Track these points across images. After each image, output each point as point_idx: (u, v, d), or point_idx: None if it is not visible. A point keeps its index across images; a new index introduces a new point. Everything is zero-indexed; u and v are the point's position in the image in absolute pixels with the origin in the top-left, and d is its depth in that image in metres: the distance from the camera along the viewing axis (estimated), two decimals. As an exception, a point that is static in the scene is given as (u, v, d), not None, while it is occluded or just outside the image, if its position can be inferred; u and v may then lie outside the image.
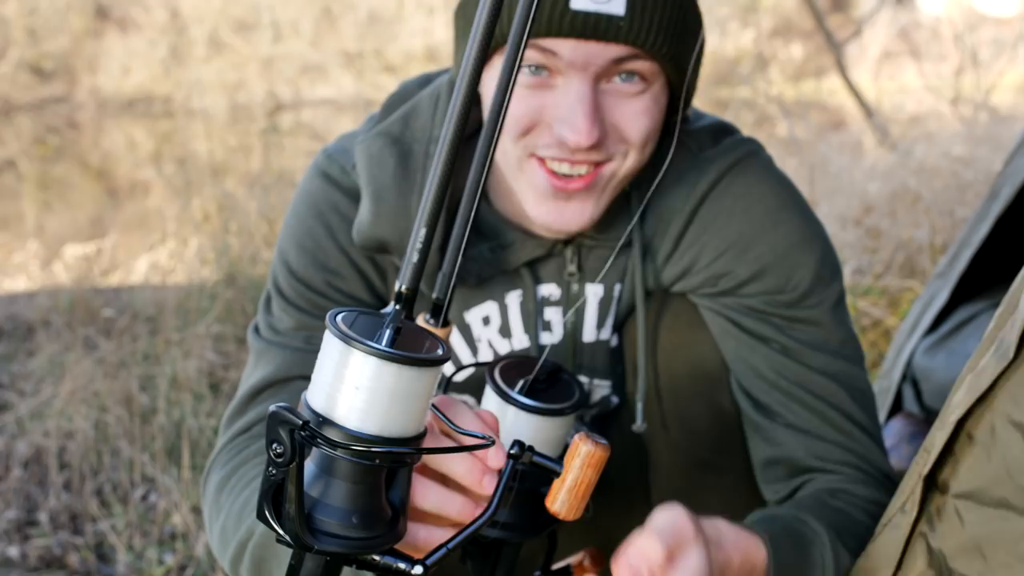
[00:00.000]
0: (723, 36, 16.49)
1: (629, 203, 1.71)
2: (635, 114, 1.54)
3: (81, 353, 4.76)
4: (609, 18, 1.45)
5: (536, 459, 1.26)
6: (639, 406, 1.74)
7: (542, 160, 1.57)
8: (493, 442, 1.24)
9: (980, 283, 2.91)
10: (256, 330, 1.80)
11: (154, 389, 4.36)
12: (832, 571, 1.49)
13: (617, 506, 1.98)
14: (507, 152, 1.59)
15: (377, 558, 1.16)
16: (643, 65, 1.51)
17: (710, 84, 14.37)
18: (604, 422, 1.90)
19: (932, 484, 1.42)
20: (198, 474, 3.62)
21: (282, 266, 1.76)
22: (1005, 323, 1.36)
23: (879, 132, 7.56)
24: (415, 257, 1.20)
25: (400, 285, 1.18)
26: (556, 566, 1.64)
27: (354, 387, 1.07)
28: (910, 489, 1.43)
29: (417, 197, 1.64)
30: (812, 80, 15.39)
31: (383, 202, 1.66)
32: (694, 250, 1.70)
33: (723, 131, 1.78)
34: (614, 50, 1.48)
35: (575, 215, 1.60)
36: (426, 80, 1.81)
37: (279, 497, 1.10)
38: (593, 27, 1.45)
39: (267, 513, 1.11)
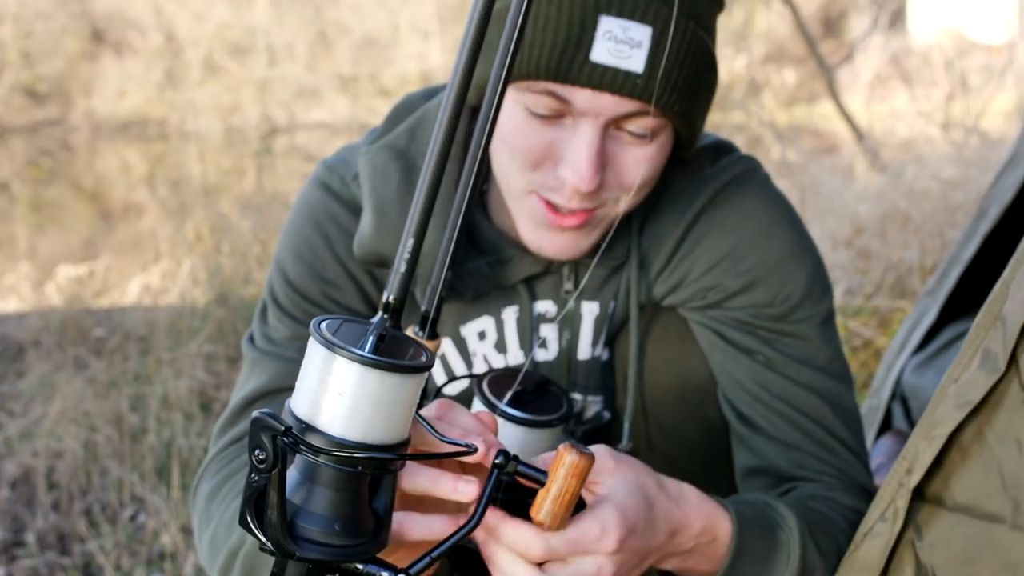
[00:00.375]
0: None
1: (629, 222, 1.71)
2: (638, 162, 1.53)
3: (71, 373, 4.75)
4: (627, 73, 1.44)
5: (521, 468, 1.26)
6: (626, 426, 1.75)
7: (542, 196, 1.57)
8: (476, 449, 1.24)
9: (968, 301, 2.92)
10: (251, 340, 1.79)
11: (144, 409, 4.35)
12: (797, 559, 1.49)
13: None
14: (511, 181, 1.58)
15: (360, 566, 1.16)
16: (649, 122, 1.50)
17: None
18: (596, 438, 1.91)
19: (919, 495, 1.42)
20: (188, 494, 3.61)
21: (279, 276, 1.76)
22: (987, 334, 1.36)
23: (870, 155, 7.59)
24: (403, 267, 1.20)
25: (387, 295, 1.18)
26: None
27: (337, 393, 1.07)
28: (890, 497, 1.43)
29: None
30: (804, 105, 15.45)
31: (385, 216, 1.65)
32: (686, 264, 1.70)
33: (722, 149, 1.78)
34: (628, 105, 1.46)
35: (568, 245, 1.60)
36: (431, 93, 1.81)
37: (261, 504, 1.10)
38: (611, 81, 1.44)
39: (249, 520, 1.10)
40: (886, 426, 2.99)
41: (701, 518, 1.41)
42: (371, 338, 1.10)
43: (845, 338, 4.40)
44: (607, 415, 1.79)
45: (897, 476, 1.43)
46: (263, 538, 1.10)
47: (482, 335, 1.76)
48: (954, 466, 1.38)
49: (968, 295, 2.91)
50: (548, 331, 1.75)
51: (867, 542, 1.47)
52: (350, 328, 1.12)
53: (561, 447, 1.27)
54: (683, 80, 1.48)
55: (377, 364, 1.06)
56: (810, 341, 1.71)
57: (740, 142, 8.06)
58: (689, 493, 1.41)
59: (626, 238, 1.71)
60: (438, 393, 1.69)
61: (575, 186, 1.49)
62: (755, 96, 11.50)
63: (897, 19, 15.71)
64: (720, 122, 9.78)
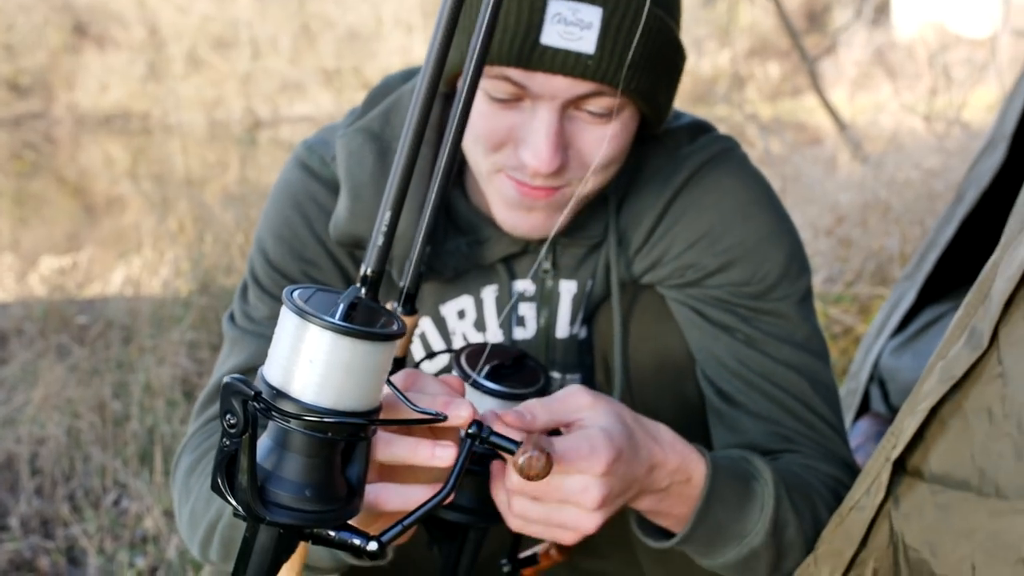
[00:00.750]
0: (700, 56, 16.57)
1: (606, 202, 1.73)
2: (599, 141, 1.54)
3: (54, 360, 4.75)
4: (578, 55, 1.45)
5: (493, 438, 1.27)
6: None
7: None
8: (445, 417, 1.25)
9: (946, 284, 2.94)
10: (231, 318, 1.80)
11: (127, 396, 4.36)
12: (771, 511, 1.51)
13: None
14: (478, 163, 1.61)
15: (332, 533, 1.17)
16: (609, 102, 1.51)
17: (688, 103, 14.45)
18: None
19: (901, 468, 1.45)
20: (170, 478, 3.62)
21: (259, 255, 1.77)
22: (975, 312, 1.39)
23: (852, 145, 7.62)
24: (380, 240, 1.22)
25: (365, 268, 1.20)
26: (523, 554, 1.66)
27: (308, 360, 1.08)
28: (876, 472, 1.46)
29: None
30: (788, 100, 15.49)
31: (360, 199, 1.66)
32: (665, 242, 1.71)
33: (700, 129, 1.80)
34: (582, 86, 1.47)
35: (540, 223, 1.62)
36: (409, 75, 1.82)
37: (233, 469, 1.11)
38: (562, 63, 1.45)
39: (220, 484, 1.11)
40: (864, 409, 3.01)
41: (677, 456, 1.43)
42: (342, 306, 1.11)
43: (825, 325, 4.43)
44: None
45: (884, 451, 1.46)
46: (233, 502, 1.11)
47: (461, 314, 1.78)
48: (934, 439, 1.42)
49: (945, 278, 2.94)
50: (527, 310, 1.77)
51: (852, 515, 1.50)
52: (323, 297, 1.14)
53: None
54: (639, 59, 1.48)
55: (348, 331, 1.08)
56: (788, 319, 1.73)
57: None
58: (664, 431, 1.44)
59: (603, 217, 1.73)
60: (418, 368, 1.71)
61: (535, 168, 1.50)
62: (739, 90, 11.54)
63: (881, 13, 15.76)
64: (704, 115, 9.81)
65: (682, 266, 1.72)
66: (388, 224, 1.23)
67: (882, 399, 2.96)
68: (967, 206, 2.80)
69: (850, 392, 3.06)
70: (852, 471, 1.71)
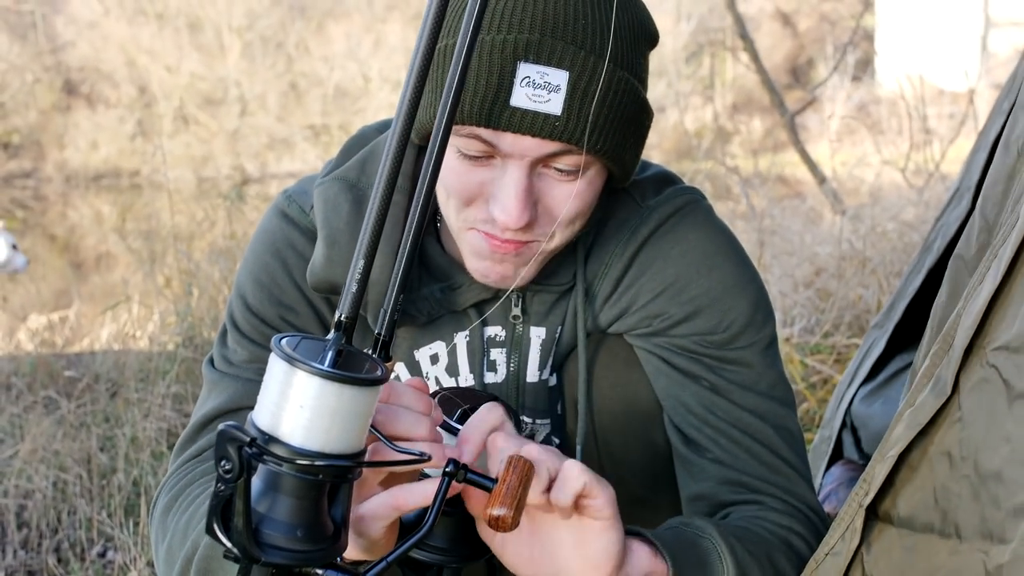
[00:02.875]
0: (684, 111, 16.68)
1: (575, 250, 1.78)
2: (566, 197, 1.58)
3: (42, 413, 4.78)
4: (546, 116, 1.49)
5: (470, 476, 1.32)
6: (578, 449, 1.81)
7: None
8: (429, 457, 1.31)
9: (915, 333, 2.97)
10: (211, 362, 1.84)
11: (114, 448, 4.38)
12: (729, 555, 1.53)
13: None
14: (450, 217, 1.65)
15: (320, 572, 1.22)
16: (576, 160, 1.55)
17: (671, 158, 14.55)
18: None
19: (873, 513, 1.49)
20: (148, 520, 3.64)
21: (238, 300, 1.81)
22: (941, 361, 1.45)
23: (831, 198, 7.70)
24: (354, 287, 1.29)
25: (340, 314, 1.26)
26: (496, 593, 1.70)
27: (298, 406, 1.14)
28: (850, 518, 1.50)
29: None
30: (772, 155, 15.60)
31: (336, 246, 1.70)
32: (632, 291, 1.75)
33: (665, 181, 1.84)
34: (550, 146, 1.52)
35: (508, 273, 1.66)
36: (384, 126, 1.86)
37: (228, 513, 1.16)
38: (530, 124, 1.49)
39: (216, 528, 1.16)
40: (837, 455, 3.04)
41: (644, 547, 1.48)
42: (330, 353, 1.18)
43: (803, 375, 4.47)
44: (555, 440, 1.85)
45: (857, 498, 1.50)
46: (230, 544, 1.16)
47: (435, 358, 1.82)
48: (902, 484, 1.46)
49: (914, 326, 2.97)
50: (497, 355, 1.82)
51: (828, 560, 1.52)
52: (309, 344, 1.20)
53: (509, 454, 1.34)
54: (605, 120, 1.53)
55: (336, 377, 1.14)
56: (753, 367, 1.77)
57: (708, 190, 8.18)
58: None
59: (572, 265, 1.77)
60: None
61: (504, 223, 1.55)
62: (723, 144, 11.63)
63: (865, 67, 15.91)
64: (688, 170, 9.90)
65: (649, 315, 1.76)
66: (361, 271, 1.29)
67: (854, 445, 2.99)
68: (934, 256, 2.84)
69: (823, 440, 3.09)
70: (813, 516, 1.74)
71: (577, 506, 1.36)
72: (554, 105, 1.50)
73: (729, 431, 1.74)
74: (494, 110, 1.50)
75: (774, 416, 1.77)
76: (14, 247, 7.36)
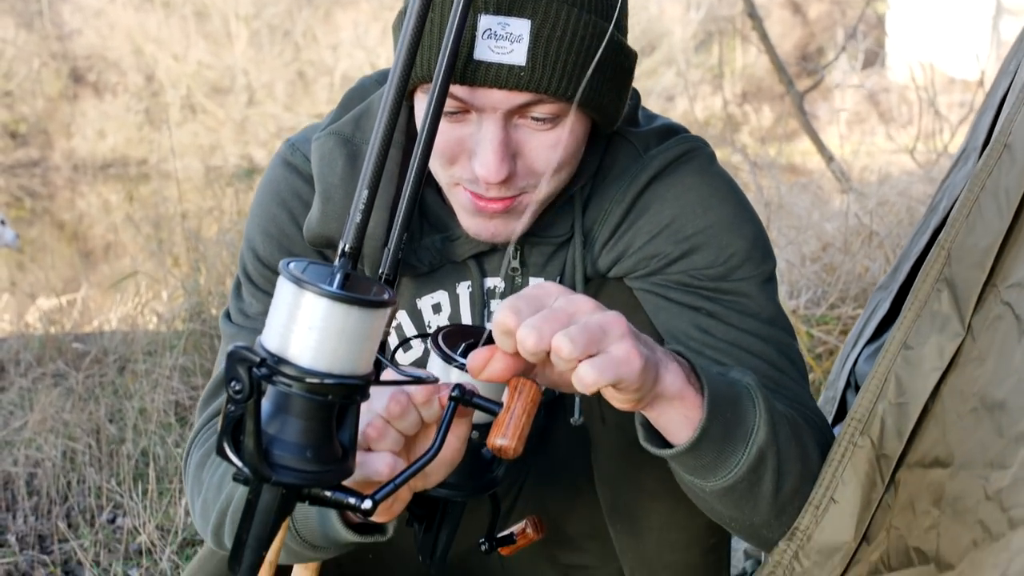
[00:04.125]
0: (694, 100, 16.68)
1: (572, 202, 1.79)
2: (546, 147, 1.60)
3: (51, 385, 4.81)
4: (511, 68, 1.50)
5: (475, 401, 1.34)
6: (577, 400, 1.82)
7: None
8: (437, 379, 1.33)
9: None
10: (228, 316, 1.87)
11: (122, 420, 4.41)
12: (763, 400, 1.51)
13: (564, 494, 2.05)
14: (438, 175, 1.68)
15: (328, 494, 1.24)
16: (551, 108, 1.56)
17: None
18: (550, 414, 1.98)
19: (885, 458, 1.52)
20: (164, 495, 3.67)
21: (249, 252, 1.84)
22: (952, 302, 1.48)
23: (838, 174, 7.70)
24: (358, 218, 1.30)
25: (343, 245, 1.28)
26: (500, 534, 1.71)
27: (307, 327, 1.16)
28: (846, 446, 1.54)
29: None
30: (781, 143, 15.57)
31: (331, 201, 1.73)
32: (629, 235, 1.77)
33: (670, 132, 1.86)
34: (518, 97, 1.53)
35: (500, 230, 1.68)
36: (384, 75, 1.89)
37: (238, 434, 1.18)
38: (495, 76, 1.50)
39: (226, 449, 1.18)
40: (842, 415, 3.05)
41: (669, 355, 1.44)
42: (339, 275, 1.20)
43: (809, 346, 4.47)
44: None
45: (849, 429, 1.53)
46: (240, 464, 1.18)
47: (437, 307, 1.84)
48: (924, 428, 1.49)
49: (919, 287, 2.98)
50: (498, 306, 1.83)
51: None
52: (316, 268, 1.22)
53: (512, 379, 1.35)
54: (574, 66, 1.53)
55: (344, 299, 1.16)
56: (752, 298, 1.78)
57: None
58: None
59: (569, 215, 1.79)
60: (393, 357, 1.77)
61: (484, 177, 1.57)
62: (732, 133, 11.62)
63: (875, 56, 15.88)
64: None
65: (646, 256, 1.77)
66: (365, 202, 1.31)
67: (859, 404, 3.00)
68: (940, 216, 2.84)
69: (827, 400, 3.09)
70: (823, 424, 1.75)
71: None
72: (518, 55, 1.50)
73: (730, 350, 1.75)
74: (458, 66, 1.50)
75: (775, 339, 1.78)
76: (2, 222, 7.36)
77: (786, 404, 1.68)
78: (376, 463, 1.29)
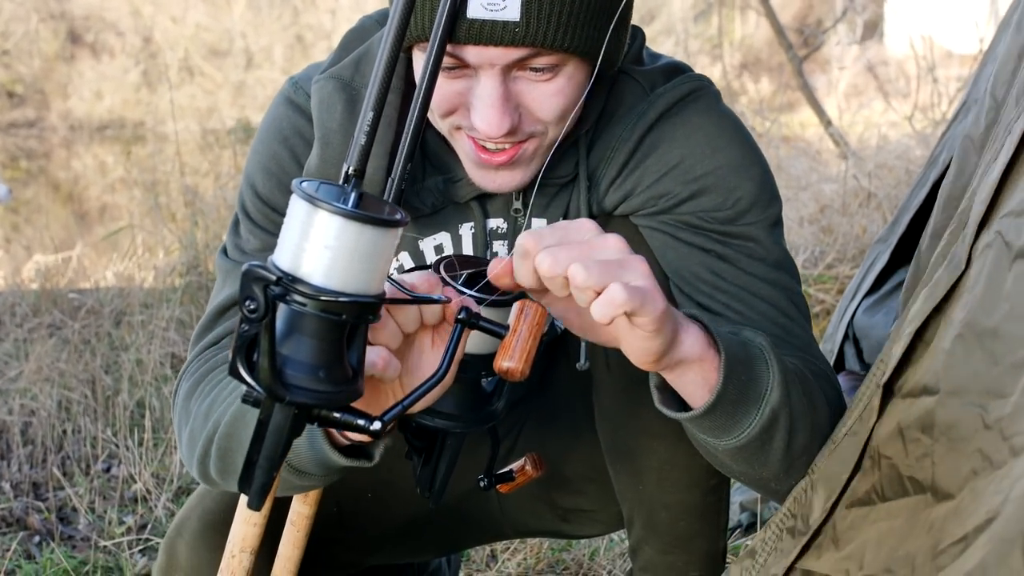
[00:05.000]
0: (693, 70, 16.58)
1: (575, 143, 1.79)
2: (547, 96, 1.59)
3: (46, 334, 4.81)
4: (504, 24, 1.49)
5: (482, 323, 1.34)
6: (583, 344, 1.82)
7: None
8: (449, 299, 1.33)
9: (917, 246, 2.98)
10: (224, 252, 1.86)
11: (118, 371, 4.41)
12: (775, 360, 1.51)
13: (564, 436, 2.05)
14: (438, 124, 1.68)
15: (337, 415, 1.24)
16: (548, 59, 1.56)
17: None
18: (552, 355, 1.98)
19: (888, 392, 1.51)
20: (160, 445, 3.68)
21: (249, 189, 1.83)
22: (956, 239, 1.47)
23: (836, 138, 7.69)
24: (362, 140, 1.30)
25: (348, 166, 1.27)
26: (500, 471, 1.71)
27: (322, 246, 1.15)
28: (867, 398, 1.52)
29: None
30: (779, 114, 15.54)
31: (329, 146, 1.73)
32: (636, 174, 1.76)
33: (676, 71, 1.84)
34: (514, 52, 1.53)
35: (506, 180, 1.68)
36: (385, 15, 1.87)
37: (251, 354, 1.17)
38: (489, 34, 1.50)
39: (240, 369, 1.18)
40: (839, 368, 3.06)
41: (685, 319, 1.44)
42: (353, 195, 1.19)
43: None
44: (560, 326, 1.86)
45: (875, 378, 1.52)
46: (254, 383, 1.17)
47: (439, 249, 1.83)
48: (918, 360, 1.48)
49: (917, 240, 2.97)
50: (500, 247, 1.83)
51: (846, 441, 1.54)
52: (329, 188, 1.21)
53: (518, 302, 1.35)
54: (565, 16, 1.52)
55: (357, 217, 1.15)
56: (759, 242, 1.77)
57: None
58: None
59: (573, 157, 1.78)
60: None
61: (486, 132, 1.57)
62: (731, 103, 11.60)
63: (874, 29, 15.82)
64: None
65: (654, 195, 1.77)
66: (370, 123, 1.31)
67: (856, 357, 3.01)
68: (939, 168, 2.84)
69: (826, 353, 3.10)
70: (831, 374, 1.75)
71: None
72: (511, 11, 1.49)
73: (740, 295, 1.74)
74: (453, 25, 1.49)
75: (783, 284, 1.78)
76: None
77: (794, 353, 1.68)
78: (370, 354, 1.29)
